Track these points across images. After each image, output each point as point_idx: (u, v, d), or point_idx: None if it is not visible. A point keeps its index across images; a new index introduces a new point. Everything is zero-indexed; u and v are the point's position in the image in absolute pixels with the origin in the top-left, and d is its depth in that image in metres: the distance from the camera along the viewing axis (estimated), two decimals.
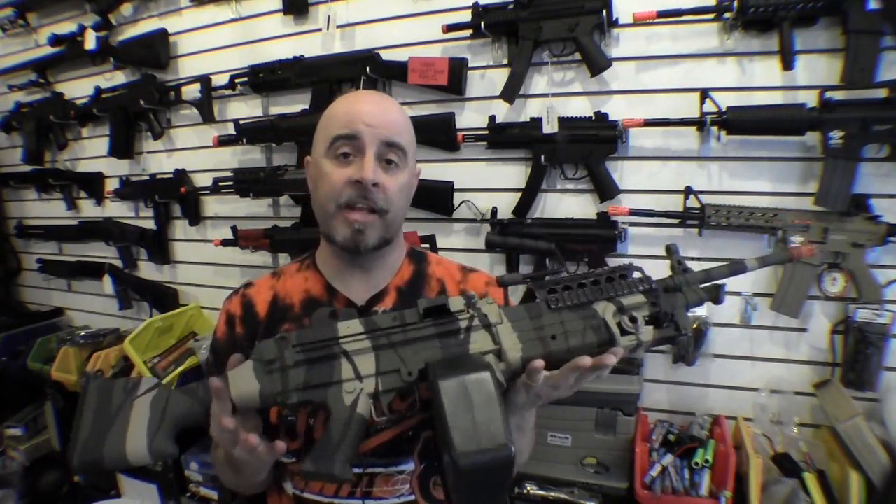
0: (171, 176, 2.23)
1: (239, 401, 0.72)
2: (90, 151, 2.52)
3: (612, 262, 1.59)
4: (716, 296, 0.78)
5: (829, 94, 1.33)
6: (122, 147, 2.30)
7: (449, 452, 0.63)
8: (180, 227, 2.33)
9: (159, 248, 2.35)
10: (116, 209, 2.47)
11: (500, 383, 0.70)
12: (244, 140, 1.97)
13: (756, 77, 1.44)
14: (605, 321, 0.73)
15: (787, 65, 1.36)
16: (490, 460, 0.62)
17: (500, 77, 1.65)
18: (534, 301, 0.76)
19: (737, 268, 0.80)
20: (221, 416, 0.70)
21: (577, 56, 1.55)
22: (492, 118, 1.66)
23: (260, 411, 0.77)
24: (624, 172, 1.59)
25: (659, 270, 0.78)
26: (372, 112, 0.84)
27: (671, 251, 0.79)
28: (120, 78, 2.32)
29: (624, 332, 0.72)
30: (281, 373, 0.73)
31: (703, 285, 0.78)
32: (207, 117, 2.07)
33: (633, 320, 0.73)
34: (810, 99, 1.36)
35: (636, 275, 0.77)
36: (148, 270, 2.45)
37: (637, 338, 0.72)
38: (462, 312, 0.75)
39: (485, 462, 0.62)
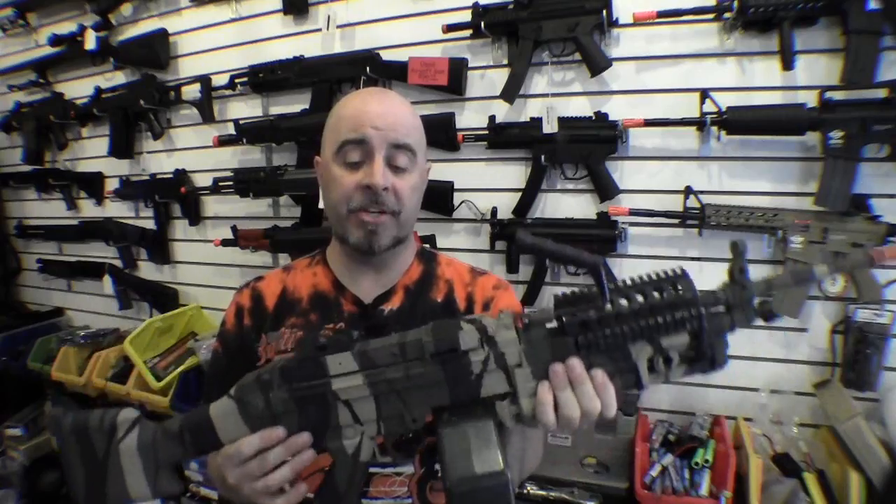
0: (171, 176, 2.23)
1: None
2: (90, 151, 2.52)
3: (619, 262, 1.60)
4: (766, 314, 0.62)
5: (829, 94, 1.33)
6: (122, 147, 2.30)
7: (448, 497, 0.63)
8: (180, 227, 2.33)
9: (159, 248, 2.35)
10: (116, 209, 2.47)
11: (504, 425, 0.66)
12: (244, 140, 1.97)
13: (756, 77, 1.44)
14: (636, 367, 0.63)
15: (787, 65, 1.36)
16: None
17: (500, 77, 1.65)
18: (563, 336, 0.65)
19: (803, 276, 0.63)
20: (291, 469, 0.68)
21: (577, 56, 1.55)
22: (492, 118, 1.66)
23: None
24: (624, 172, 1.59)
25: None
26: (379, 113, 0.83)
27: (738, 252, 0.63)
28: (120, 78, 2.32)
29: (652, 371, 0.63)
30: (272, 421, 0.69)
31: (756, 302, 0.63)
32: (207, 117, 2.07)
33: (668, 362, 0.63)
34: (810, 99, 1.36)
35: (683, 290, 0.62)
36: (148, 270, 2.45)
37: (665, 378, 0.63)
38: (476, 350, 0.65)
39: None
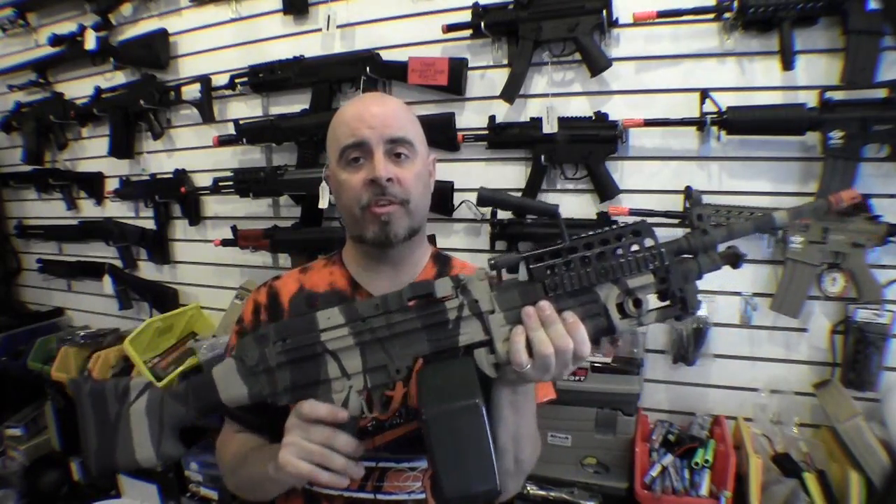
0: (171, 176, 2.23)
1: (229, 402, 0.74)
2: (90, 151, 2.51)
3: None
4: (734, 261, 0.68)
5: (829, 94, 1.33)
6: (122, 147, 2.30)
7: (437, 486, 0.64)
8: (180, 227, 2.33)
9: (159, 248, 2.35)
10: (116, 209, 2.47)
11: (483, 402, 0.67)
12: (244, 140, 1.97)
13: (756, 77, 1.44)
14: (606, 308, 0.67)
15: (787, 65, 1.36)
16: (476, 497, 0.64)
17: (500, 77, 1.65)
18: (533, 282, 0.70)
19: (763, 222, 0.68)
20: (341, 440, 0.71)
21: (577, 56, 1.55)
22: (492, 118, 1.66)
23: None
24: (624, 172, 1.59)
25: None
26: (372, 114, 0.87)
27: (693, 200, 0.69)
28: (120, 78, 2.32)
29: (625, 315, 0.67)
30: (266, 374, 0.73)
31: (721, 248, 0.68)
32: (207, 117, 2.07)
33: (638, 304, 0.67)
34: (810, 99, 1.36)
35: (647, 241, 0.68)
36: (148, 270, 2.45)
37: (639, 321, 0.67)
38: (450, 298, 0.71)
39: (472, 499, 0.64)
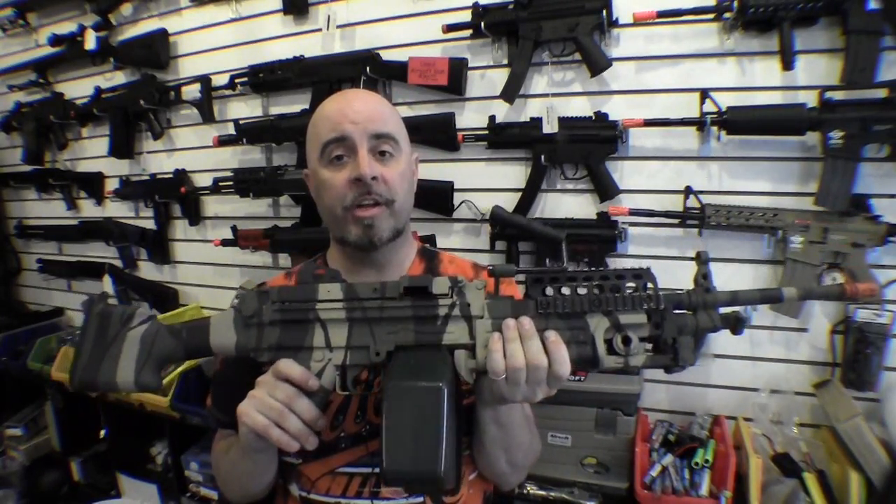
0: (171, 176, 2.23)
1: (216, 349, 0.76)
2: (90, 151, 2.52)
3: (619, 262, 1.59)
4: (735, 325, 0.67)
5: (829, 94, 1.33)
6: (122, 147, 2.30)
7: (379, 455, 0.65)
8: (180, 227, 2.33)
9: (159, 248, 2.35)
10: (116, 209, 2.47)
11: (459, 393, 0.69)
12: (244, 140, 1.97)
13: (756, 77, 1.44)
14: (593, 338, 0.67)
15: (787, 65, 1.36)
16: (415, 478, 0.64)
17: (500, 77, 1.65)
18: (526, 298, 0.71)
19: (770, 295, 0.67)
20: (303, 404, 0.71)
21: (577, 56, 1.55)
22: (492, 118, 1.66)
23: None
24: (624, 172, 1.59)
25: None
26: (355, 109, 0.85)
27: (701, 260, 0.68)
28: (120, 78, 2.32)
29: (612, 352, 0.67)
30: (257, 328, 0.75)
31: (723, 310, 0.67)
32: (207, 117, 2.07)
33: (627, 342, 0.66)
34: (810, 99, 1.36)
35: (649, 285, 0.68)
36: (148, 270, 2.45)
37: (625, 361, 0.66)
38: (445, 296, 0.71)
39: (410, 478, 0.65)
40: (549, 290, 0.69)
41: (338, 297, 0.74)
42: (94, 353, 0.77)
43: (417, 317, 0.72)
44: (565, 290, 0.69)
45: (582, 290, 0.69)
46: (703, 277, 0.67)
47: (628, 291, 0.68)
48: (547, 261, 1.63)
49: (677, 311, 0.67)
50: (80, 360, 0.77)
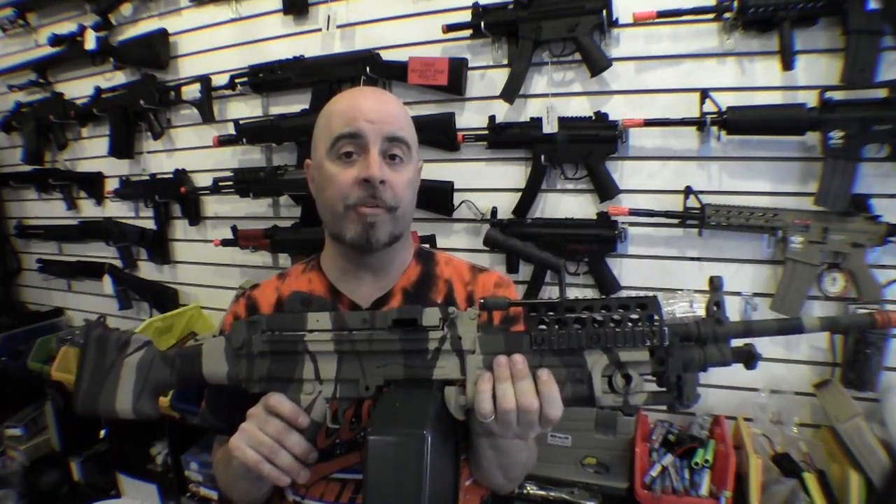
0: (171, 176, 2.23)
1: (209, 378, 0.77)
2: (90, 151, 2.52)
3: (618, 262, 1.60)
4: (748, 360, 0.62)
5: (829, 94, 1.33)
6: (122, 147, 2.30)
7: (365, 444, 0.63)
8: (180, 227, 2.33)
9: (159, 248, 2.35)
10: (116, 209, 2.47)
11: (452, 432, 0.67)
12: (244, 140, 1.97)
13: (756, 77, 1.44)
14: (590, 376, 0.63)
15: (787, 65, 1.36)
16: None
17: (500, 77, 1.65)
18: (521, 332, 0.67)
19: (790, 325, 0.62)
20: (293, 439, 0.71)
21: (577, 56, 1.55)
22: (492, 118, 1.66)
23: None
24: (624, 172, 1.59)
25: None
26: (372, 108, 0.83)
27: (714, 286, 0.63)
28: (120, 78, 2.32)
29: (612, 390, 0.63)
30: (248, 359, 0.75)
31: (734, 344, 0.63)
32: (207, 117, 2.07)
33: (628, 380, 0.62)
34: (810, 99, 1.36)
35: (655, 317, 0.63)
36: (148, 270, 2.45)
37: (625, 399, 0.62)
38: (435, 329, 0.69)
39: None
40: (544, 323, 0.65)
41: (326, 326, 0.73)
42: (93, 379, 0.78)
43: (406, 350, 0.70)
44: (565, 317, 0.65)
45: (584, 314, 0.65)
46: (715, 306, 0.62)
47: (630, 324, 0.63)
48: (548, 272, 1.62)
49: (684, 341, 0.62)
50: (81, 386, 0.78)
